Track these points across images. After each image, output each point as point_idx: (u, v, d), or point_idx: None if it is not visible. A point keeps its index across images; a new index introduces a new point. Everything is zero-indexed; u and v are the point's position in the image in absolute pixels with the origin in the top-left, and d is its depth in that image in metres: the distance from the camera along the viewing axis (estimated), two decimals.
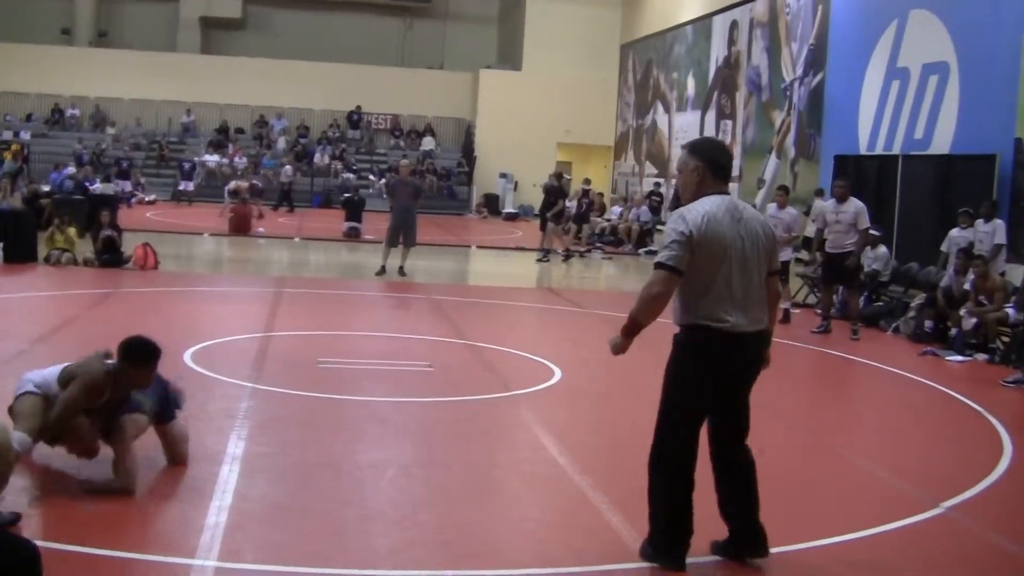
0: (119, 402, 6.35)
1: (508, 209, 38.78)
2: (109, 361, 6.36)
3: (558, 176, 25.20)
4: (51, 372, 6.52)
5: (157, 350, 6.38)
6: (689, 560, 5.46)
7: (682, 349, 5.41)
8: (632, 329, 5.34)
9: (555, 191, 24.32)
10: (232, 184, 31.10)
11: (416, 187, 19.91)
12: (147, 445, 6.65)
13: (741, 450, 5.54)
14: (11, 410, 6.45)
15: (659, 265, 5.26)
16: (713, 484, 5.53)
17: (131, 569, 5.15)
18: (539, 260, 23.25)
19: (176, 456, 6.76)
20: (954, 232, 15.20)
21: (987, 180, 16.63)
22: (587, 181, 29.19)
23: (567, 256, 24.41)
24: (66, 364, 6.56)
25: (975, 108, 18.07)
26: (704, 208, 5.26)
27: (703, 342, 5.32)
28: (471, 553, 5.63)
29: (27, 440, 6.13)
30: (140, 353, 6.31)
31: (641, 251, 26.76)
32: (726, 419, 5.51)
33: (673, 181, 32.56)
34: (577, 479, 7.01)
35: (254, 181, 32.82)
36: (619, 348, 5.42)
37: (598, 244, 26.98)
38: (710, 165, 5.38)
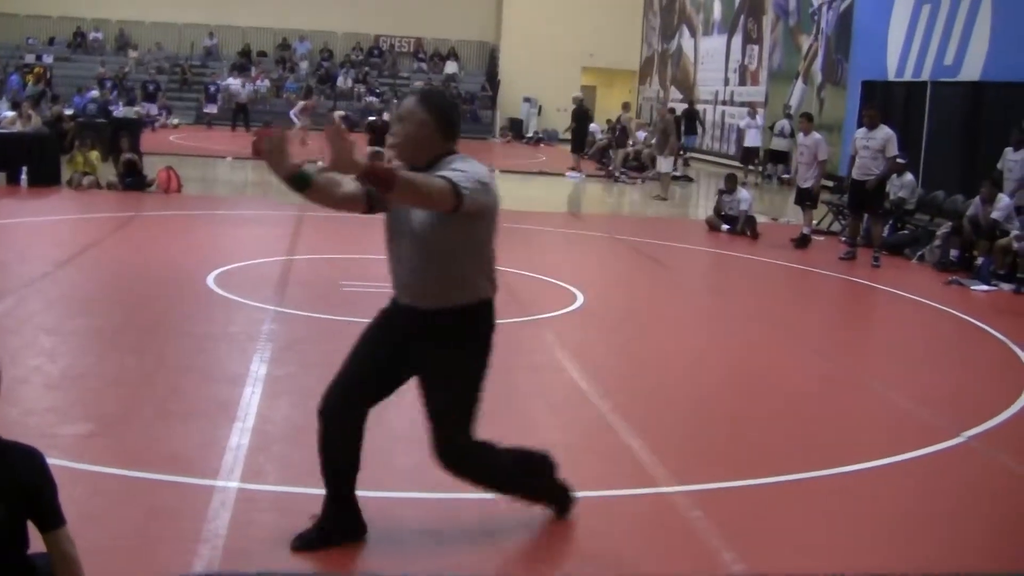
0: None
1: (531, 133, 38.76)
2: None
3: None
4: None
5: None
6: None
7: (480, 330, 4.55)
8: (385, 180, 4.01)
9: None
10: (300, 105, 31.04)
11: None
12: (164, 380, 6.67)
13: None
14: None
15: (451, 183, 4.18)
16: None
17: (154, 490, 5.19)
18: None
19: None
20: (1009, 152, 14.70)
21: (1018, 108, 16.35)
22: (626, 106, 29.31)
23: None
24: None
25: (1007, 35, 17.74)
26: (487, 170, 4.50)
27: (491, 317, 4.63)
28: None
29: None
30: None
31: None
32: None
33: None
34: (598, 403, 7.02)
35: (348, 112, 32.36)
36: (348, 163, 3.98)
37: (622, 170, 26.82)
38: (441, 121, 4.46)
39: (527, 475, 4.90)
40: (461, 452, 4.55)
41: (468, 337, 4.51)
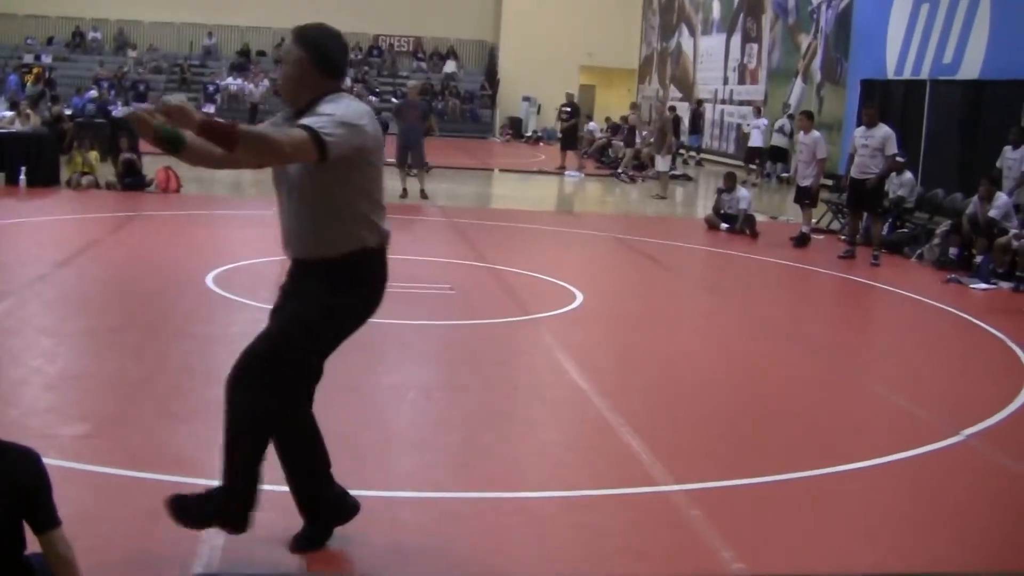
0: None
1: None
2: None
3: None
4: None
5: None
6: None
7: (361, 278, 4.32)
8: (224, 135, 3.79)
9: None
10: None
11: (424, 109, 19.74)
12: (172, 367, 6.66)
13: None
14: None
15: (311, 132, 3.94)
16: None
17: (154, 490, 5.18)
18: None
19: None
20: (1007, 150, 14.72)
21: (1016, 106, 16.37)
22: (634, 107, 29.45)
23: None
24: None
25: (1006, 33, 17.75)
26: (364, 109, 4.24)
27: (376, 266, 4.39)
28: (490, 476, 5.65)
29: None
30: None
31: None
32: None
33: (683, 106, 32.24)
34: (597, 402, 7.01)
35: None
36: (184, 116, 3.79)
37: (621, 169, 26.84)
38: (318, 56, 4.23)
39: (256, 462, 4.35)
40: (257, 386, 4.16)
41: (350, 283, 4.26)
